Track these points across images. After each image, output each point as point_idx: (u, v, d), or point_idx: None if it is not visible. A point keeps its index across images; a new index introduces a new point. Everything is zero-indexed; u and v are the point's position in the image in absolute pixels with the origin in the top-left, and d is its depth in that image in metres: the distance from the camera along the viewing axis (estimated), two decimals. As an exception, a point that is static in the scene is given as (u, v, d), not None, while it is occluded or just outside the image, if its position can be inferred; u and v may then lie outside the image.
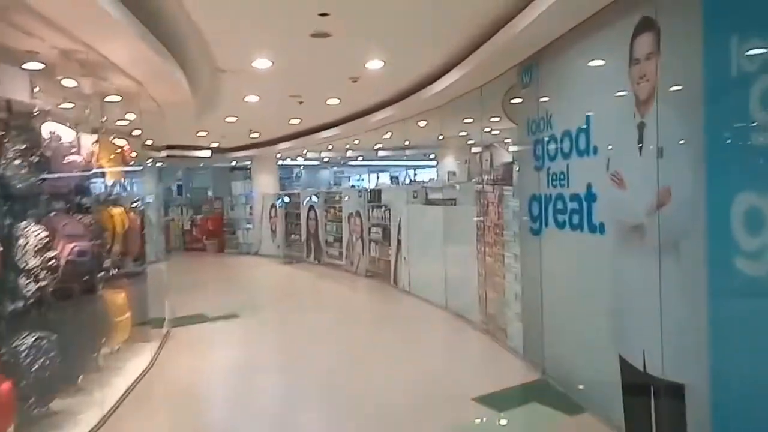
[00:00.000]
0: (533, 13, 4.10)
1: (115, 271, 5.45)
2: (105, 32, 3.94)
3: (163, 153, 9.62)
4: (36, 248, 3.47)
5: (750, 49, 2.43)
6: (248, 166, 17.21)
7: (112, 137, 5.33)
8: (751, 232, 2.41)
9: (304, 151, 16.95)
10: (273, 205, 15.57)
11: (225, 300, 8.97)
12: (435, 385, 4.82)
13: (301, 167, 23.72)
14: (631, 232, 3.41)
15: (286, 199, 15.06)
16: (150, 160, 7.97)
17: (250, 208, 16.54)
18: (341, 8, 4.55)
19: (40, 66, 3.96)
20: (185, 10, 4.49)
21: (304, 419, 4.34)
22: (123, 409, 4.35)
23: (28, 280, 3.46)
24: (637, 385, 3.39)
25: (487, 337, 6.15)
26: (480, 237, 6.44)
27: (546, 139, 4.69)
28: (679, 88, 3.02)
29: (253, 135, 13.13)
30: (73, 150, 4.07)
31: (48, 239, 3.50)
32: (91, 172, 4.44)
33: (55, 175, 3.80)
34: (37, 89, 3.79)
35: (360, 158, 20.81)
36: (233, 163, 18.50)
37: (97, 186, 4.79)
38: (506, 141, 7.51)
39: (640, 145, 3.28)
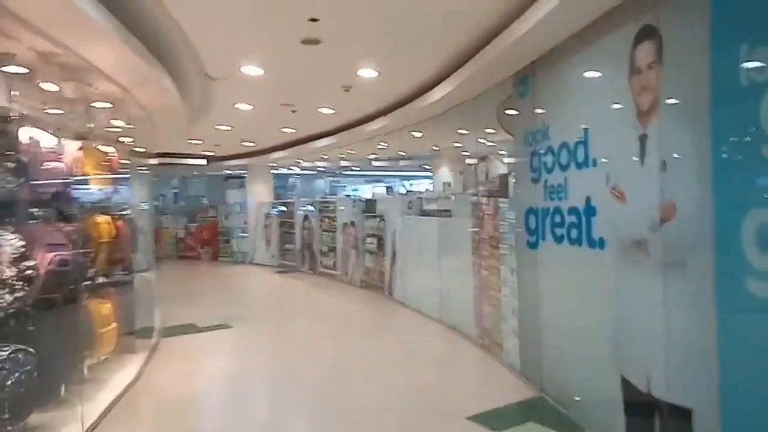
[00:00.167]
0: (529, 22, 4.02)
1: (101, 281, 5.33)
2: (86, 36, 3.81)
3: (155, 161, 9.50)
4: (12, 258, 3.32)
5: (760, 58, 2.32)
6: (243, 175, 17.11)
7: (98, 144, 5.19)
8: (764, 250, 2.29)
9: (299, 161, 16.84)
10: (267, 214, 15.44)
11: (217, 310, 8.79)
12: (429, 402, 4.66)
13: (296, 177, 23.62)
14: (632, 247, 3.29)
15: (283, 208, 14.92)
16: (143, 168, 7.85)
17: (245, 216, 16.41)
18: (331, 14, 4.45)
19: (18, 69, 3.83)
20: (171, 16, 4.38)
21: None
22: (105, 425, 4.18)
23: (3, 291, 3.30)
24: (640, 407, 3.25)
25: (483, 352, 6.00)
26: (475, 249, 6.32)
27: (543, 150, 4.58)
28: (683, 98, 2.92)
29: (247, 144, 13.02)
30: (54, 156, 3.92)
31: (24, 249, 3.34)
32: (73, 179, 4.29)
33: (35, 182, 3.66)
34: (15, 93, 3.65)
35: (355, 168, 20.71)
36: (228, 172, 18.37)
37: (82, 193, 4.65)
38: (501, 153, 7.43)
39: (642, 157, 3.17)
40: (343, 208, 11.85)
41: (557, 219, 4.31)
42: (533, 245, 4.79)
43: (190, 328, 7.45)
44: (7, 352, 3.34)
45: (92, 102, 5.32)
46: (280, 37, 4.99)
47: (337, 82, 6.75)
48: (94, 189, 4.91)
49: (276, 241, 14.98)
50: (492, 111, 6.56)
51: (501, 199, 5.61)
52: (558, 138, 4.32)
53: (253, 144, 13.10)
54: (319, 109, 8.65)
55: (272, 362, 6.12)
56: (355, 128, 9.96)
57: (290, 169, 20.36)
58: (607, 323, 3.62)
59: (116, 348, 5.14)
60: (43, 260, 3.65)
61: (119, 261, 5.58)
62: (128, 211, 6.15)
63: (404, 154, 15.84)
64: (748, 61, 2.38)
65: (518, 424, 4.11)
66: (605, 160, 3.66)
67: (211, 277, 14.32)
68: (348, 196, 20.88)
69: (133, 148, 7.21)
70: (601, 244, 3.67)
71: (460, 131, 11.07)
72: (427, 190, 15.83)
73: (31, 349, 3.40)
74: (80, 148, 4.45)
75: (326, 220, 12.56)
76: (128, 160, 6.96)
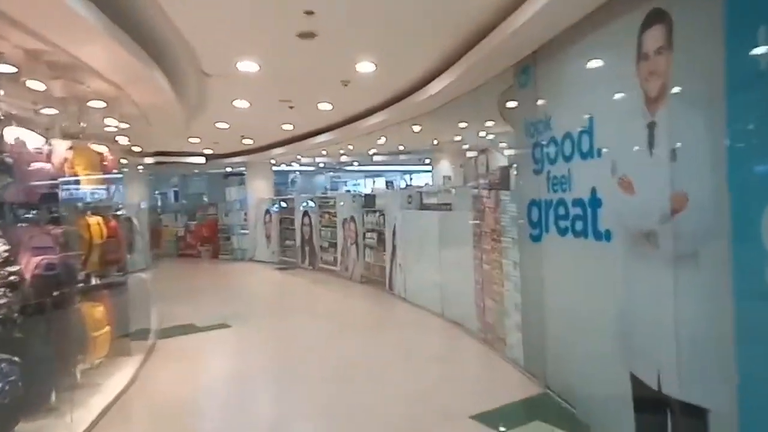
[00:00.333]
0: (530, 10, 3.88)
1: (95, 282, 5.22)
2: (75, 34, 3.68)
3: (153, 160, 9.41)
4: (-4, 262, 3.21)
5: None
6: (243, 172, 16.99)
7: (91, 143, 5.07)
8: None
9: (299, 157, 16.70)
10: (267, 211, 15.33)
11: (216, 308, 8.69)
12: (430, 400, 4.55)
13: (297, 173, 23.49)
14: (641, 239, 3.16)
15: (283, 204, 14.80)
16: (140, 167, 7.75)
17: (245, 213, 16.30)
18: (327, 6, 4.31)
19: (5, 68, 3.70)
20: (164, 12, 4.24)
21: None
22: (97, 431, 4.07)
23: (-13, 298, 3.20)
24: (650, 405, 3.13)
25: (485, 347, 5.89)
26: (477, 243, 6.19)
27: (545, 141, 4.45)
28: (694, 84, 2.77)
29: (246, 141, 12.88)
30: (42, 156, 3.80)
31: (8, 253, 3.22)
32: (63, 179, 4.16)
33: (21, 184, 3.54)
34: (0, 92, 3.52)
35: (356, 163, 20.58)
36: (228, 169, 18.25)
37: (72, 194, 4.52)
38: (501, 145, 7.30)
39: (651, 146, 3.03)
40: (342, 203, 11.73)
41: (561, 211, 4.18)
42: (536, 238, 4.66)
43: (188, 329, 7.34)
44: (-10, 363, 3.24)
45: (85, 101, 5.20)
46: (276, 31, 4.84)
47: (335, 77, 6.61)
48: (86, 189, 4.77)
49: (276, 237, 14.88)
50: (492, 103, 6.43)
51: (502, 192, 5.48)
52: (561, 128, 4.19)
53: (252, 141, 12.96)
54: (318, 105, 8.51)
55: (272, 362, 6.01)
56: (353, 123, 9.83)
57: (290, 165, 20.22)
58: (615, 317, 3.50)
59: (111, 351, 5.04)
60: (29, 264, 3.53)
61: (114, 262, 5.47)
62: (123, 211, 6.05)
63: (404, 148, 15.71)
64: (766, 45, 2.24)
65: (523, 423, 4.00)
66: (611, 150, 3.52)
67: (211, 274, 14.22)
68: (348, 191, 20.78)
69: (130, 148, 7.10)
70: (608, 236, 3.54)
71: (460, 124, 10.94)
72: (426, 184, 15.72)
73: (15, 359, 3.29)
74: (70, 148, 4.32)
75: (326, 215, 12.45)
76: (125, 159, 6.86)
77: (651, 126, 3.04)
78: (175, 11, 4.28)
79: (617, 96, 3.50)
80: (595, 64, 3.85)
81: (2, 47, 3.59)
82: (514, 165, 5.39)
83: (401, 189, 17.15)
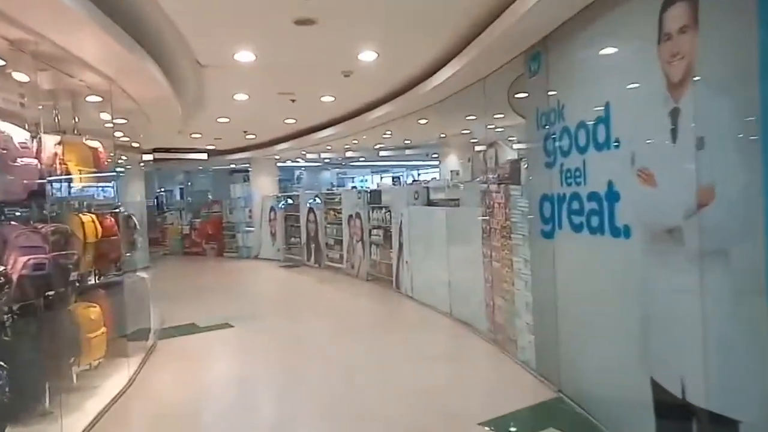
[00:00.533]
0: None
1: (91, 282, 5.07)
2: (61, 23, 3.48)
3: (150, 156, 9.23)
4: (-22, 264, 3.04)
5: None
6: (248, 169, 16.83)
7: (84, 138, 4.90)
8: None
9: (303, 152, 16.52)
10: (272, 208, 15.17)
11: (219, 307, 8.54)
12: (438, 406, 4.35)
13: (302, 169, 23.32)
14: (663, 236, 2.93)
15: (290, 201, 14.62)
16: (139, 163, 7.57)
17: (249, 211, 16.15)
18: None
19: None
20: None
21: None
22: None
23: (-31, 301, 3.03)
24: (674, 414, 2.92)
25: (495, 348, 5.68)
26: (486, 240, 5.97)
27: (558, 132, 4.22)
28: (723, 66, 2.54)
29: (248, 136, 12.71)
30: (28, 151, 3.62)
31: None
32: (52, 176, 3.99)
33: (6, 180, 3.36)
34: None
35: (362, 159, 20.38)
36: (232, 166, 18.11)
37: (63, 191, 4.35)
38: (510, 139, 7.06)
39: (674, 135, 2.80)
40: (348, 199, 11.54)
41: (575, 206, 3.95)
42: (548, 234, 4.44)
43: (189, 329, 7.18)
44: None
45: (77, 94, 5.02)
46: (271, 18, 4.62)
47: (336, 67, 6.39)
48: (78, 186, 4.60)
49: (281, 234, 14.72)
50: (501, 94, 6.18)
51: (512, 186, 5.26)
52: (575, 117, 3.96)
53: (254, 136, 12.78)
54: (320, 98, 8.30)
55: (275, 364, 5.83)
56: (358, 117, 9.62)
57: (295, 161, 20.05)
58: (634, 319, 3.28)
59: (109, 352, 4.88)
60: (16, 265, 3.36)
61: (112, 261, 5.31)
62: (121, 209, 5.87)
63: (410, 142, 15.47)
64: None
65: (537, 431, 3.79)
66: (629, 140, 3.29)
67: (216, 272, 14.09)
68: (354, 187, 20.57)
69: (130, 144, 6.93)
70: (626, 232, 3.31)
71: (468, 117, 10.69)
72: (433, 178, 15.48)
73: (1, 363, 3.12)
74: (59, 143, 4.15)
75: (331, 212, 12.27)
76: (124, 155, 6.68)
77: (674, 113, 2.81)
78: (165, -1, 4.08)
79: (636, 81, 3.27)
80: (611, 47, 3.61)
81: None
82: (525, 158, 5.16)
83: (408, 184, 16.95)
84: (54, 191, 4.10)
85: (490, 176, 5.97)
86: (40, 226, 3.83)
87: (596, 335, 3.82)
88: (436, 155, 17.75)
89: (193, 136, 11.58)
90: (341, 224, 11.67)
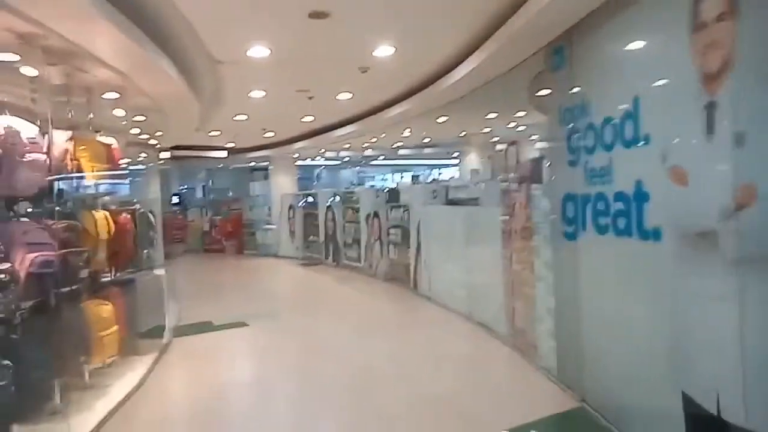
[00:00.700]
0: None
1: (105, 279, 5.03)
2: (71, 16, 3.41)
3: (168, 154, 9.24)
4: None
5: None
6: (268, 167, 16.86)
7: (99, 134, 4.85)
8: None
9: (322, 151, 16.47)
10: (291, 206, 15.14)
11: (237, 305, 8.51)
12: (456, 414, 4.18)
13: (322, 167, 23.30)
14: (697, 240, 2.73)
15: (310, 199, 14.56)
16: (160, 161, 7.57)
17: (269, 208, 16.15)
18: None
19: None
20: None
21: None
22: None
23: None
24: (707, 429, 2.71)
25: (516, 354, 5.48)
26: (506, 241, 5.78)
27: (582, 129, 4.02)
28: (765, 56, 2.34)
29: (267, 134, 12.68)
30: (37, 147, 3.56)
31: (-2, 251, 3.00)
32: (63, 172, 3.93)
33: (12, 176, 3.30)
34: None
35: (381, 157, 20.26)
36: (252, 164, 18.17)
37: (75, 188, 4.31)
38: (532, 138, 6.86)
39: (710, 130, 2.60)
40: (366, 198, 11.42)
41: (600, 206, 3.75)
42: (571, 236, 4.24)
43: (204, 327, 7.13)
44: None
45: (92, 90, 4.98)
46: (285, 11, 4.51)
47: (352, 63, 6.26)
48: (91, 183, 4.55)
49: (300, 233, 14.68)
50: (522, 90, 5.99)
51: (534, 186, 5.06)
52: (600, 113, 3.75)
53: (273, 134, 12.75)
54: (337, 95, 8.19)
55: (290, 365, 5.72)
56: (375, 114, 9.49)
57: (314, 159, 20.03)
58: (663, 328, 3.07)
59: (121, 351, 4.84)
60: (23, 262, 3.31)
61: (126, 258, 5.27)
62: (137, 206, 5.84)
63: (430, 140, 15.29)
64: None
65: (558, 442, 3.62)
66: (660, 136, 3.09)
67: (235, 270, 14.10)
68: (372, 186, 20.47)
69: (147, 140, 6.91)
70: (656, 235, 3.11)
71: (488, 116, 10.49)
72: (452, 177, 15.29)
73: (6, 362, 3.07)
74: (70, 139, 4.09)
75: (349, 211, 12.17)
76: (143, 153, 6.67)
77: (710, 107, 2.60)
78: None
79: (667, 74, 3.06)
80: (639, 39, 3.41)
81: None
82: (547, 156, 4.96)
83: (426, 183, 16.77)
84: (64, 187, 4.05)
85: (511, 175, 5.78)
86: (49, 223, 3.78)
87: (623, 343, 3.61)
88: (456, 154, 17.55)
89: (211, 134, 11.59)
90: (359, 223, 11.56)
